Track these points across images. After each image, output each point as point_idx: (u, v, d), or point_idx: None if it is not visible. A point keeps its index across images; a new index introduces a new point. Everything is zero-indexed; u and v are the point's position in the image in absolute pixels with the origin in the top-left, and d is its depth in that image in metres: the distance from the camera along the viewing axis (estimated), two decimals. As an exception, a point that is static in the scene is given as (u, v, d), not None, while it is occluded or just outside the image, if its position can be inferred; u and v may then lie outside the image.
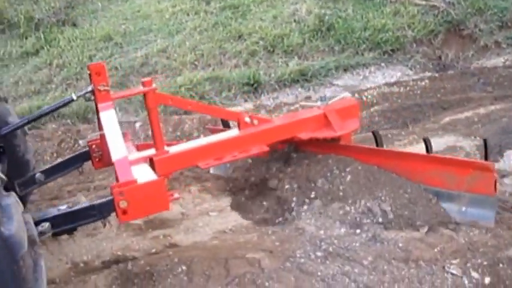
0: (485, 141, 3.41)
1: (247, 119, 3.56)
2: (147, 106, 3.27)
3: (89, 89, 3.30)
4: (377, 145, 3.80)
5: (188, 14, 7.44)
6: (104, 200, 2.78)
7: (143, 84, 3.27)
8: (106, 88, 3.27)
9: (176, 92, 5.79)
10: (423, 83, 6.30)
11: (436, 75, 6.52)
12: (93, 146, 3.66)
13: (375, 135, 3.83)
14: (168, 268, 3.08)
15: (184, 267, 3.08)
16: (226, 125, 4.16)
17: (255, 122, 3.58)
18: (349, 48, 6.75)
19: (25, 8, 7.45)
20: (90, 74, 3.29)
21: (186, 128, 5.38)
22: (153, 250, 3.56)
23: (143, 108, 5.65)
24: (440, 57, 7.03)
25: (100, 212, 2.76)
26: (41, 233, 2.51)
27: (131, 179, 2.73)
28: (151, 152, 3.35)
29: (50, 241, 3.85)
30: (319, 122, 3.75)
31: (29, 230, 2.16)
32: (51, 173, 3.61)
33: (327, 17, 6.99)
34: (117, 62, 6.27)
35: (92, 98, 3.33)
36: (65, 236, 3.86)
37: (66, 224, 2.78)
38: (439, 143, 4.84)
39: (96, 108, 3.37)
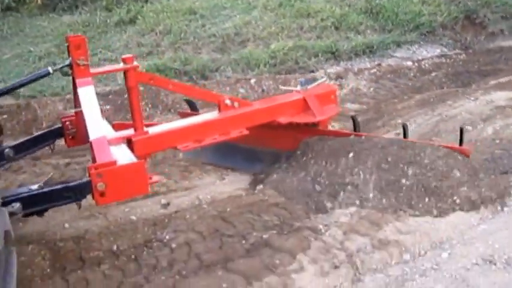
0: (461, 129, 3.76)
1: (227, 102, 3.52)
2: (127, 84, 3.13)
3: (67, 62, 3.10)
4: (355, 130, 3.93)
5: (251, -5, 8.35)
6: (80, 181, 2.63)
7: (124, 61, 3.10)
8: (85, 63, 3.05)
9: (274, 56, 6.71)
10: (461, 57, 7.71)
11: (470, 51, 7.94)
12: (67, 123, 3.48)
13: (354, 120, 3.97)
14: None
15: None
16: (193, 107, 4.15)
17: (236, 104, 3.56)
18: (396, 29, 8.00)
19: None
20: (68, 47, 3.07)
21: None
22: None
23: (252, 66, 6.53)
24: (461, 40, 8.48)
25: (75, 193, 2.61)
26: (11, 214, 2.35)
27: (110, 160, 2.60)
28: (129, 132, 3.23)
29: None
30: (299, 106, 3.77)
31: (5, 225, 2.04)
32: (22, 149, 3.40)
33: (374, 2, 8.22)
34: (213, 31, 7.08)
35: (70, 72, 3.13)
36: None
37: (38, 205, 2.61)
38: (502, 95, 6.15)
39: (73, 83, 3.17)
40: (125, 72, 3.10)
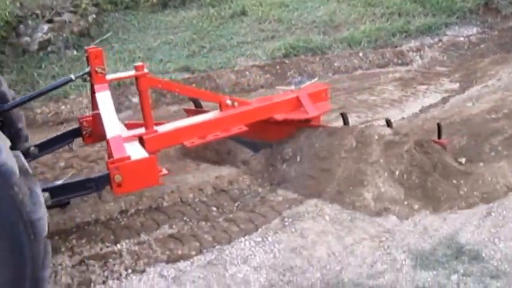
0: (438, 124, 4.25)
1: (228, 102, 3.90)
2: (138, 89, 3.51)
3: (87, 70, 3.55)
4: (345, 124, 4.36)
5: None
6: (100, 174, 3.03)
7: (136, 68, 3.45)
8: (103, 71, 3.48)
9: (367, 36, 8.37)
10: (494, 33, 9.73)
11: (498, 29, 9.99)
12: (84, 123, 3.90)
13: (343, 116, 4.37)
14: None
15: None
16: (197, 105, 4.50)
17: (236, 104, 3.93)
18: (439, 14, 9.92)
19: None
20: (87, 57, 3.51)
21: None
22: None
23: (354, 43, 8.18)
24: (484, 22, 10.54)
25: (96, 185, 2.96)
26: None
27: (125, 156, 2.94)
28: (141, 130, 3.60)
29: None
30: (293, 104, 4.16)
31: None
32: (45, 147, 3.77)
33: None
34: (311, 19, 8.70)
35: (88, 79, 3.61)
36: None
37: (64, 194, 2.95)
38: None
39: (92, 88, 3.65)
40: (137, 78, 3.48)
